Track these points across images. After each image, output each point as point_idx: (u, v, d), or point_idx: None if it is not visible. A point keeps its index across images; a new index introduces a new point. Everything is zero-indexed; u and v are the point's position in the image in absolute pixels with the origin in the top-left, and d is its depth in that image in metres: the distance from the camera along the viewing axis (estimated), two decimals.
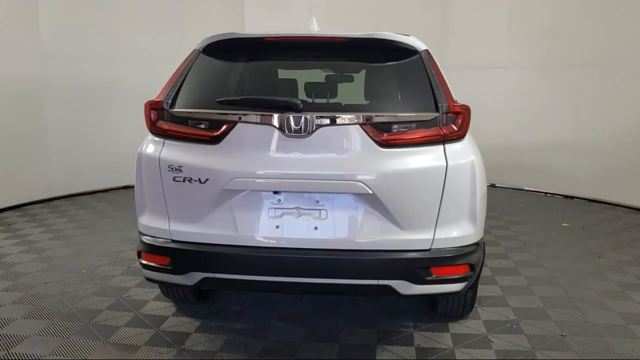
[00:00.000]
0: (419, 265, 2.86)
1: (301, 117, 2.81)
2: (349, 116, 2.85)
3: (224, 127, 2.90)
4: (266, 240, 2.91)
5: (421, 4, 8.75)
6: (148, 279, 3.21)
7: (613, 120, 7.28)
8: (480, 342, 3.38)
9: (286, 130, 2.83)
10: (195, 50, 3.24)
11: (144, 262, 3.12)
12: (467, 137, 3.00)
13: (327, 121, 2.83)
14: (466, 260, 2.93)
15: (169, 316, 3.70)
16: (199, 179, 2.92)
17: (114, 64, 7.79)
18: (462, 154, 2.92)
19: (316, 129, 2.83)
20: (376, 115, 2.86)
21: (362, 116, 2.84)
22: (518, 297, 4.07)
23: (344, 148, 2.86)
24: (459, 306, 3.56)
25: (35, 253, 5.01)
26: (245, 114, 2.89)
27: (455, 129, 2.90)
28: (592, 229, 6.09)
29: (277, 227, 2.91)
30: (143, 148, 3.09)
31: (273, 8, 8.88)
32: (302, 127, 2.81)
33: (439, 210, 2.87)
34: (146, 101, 3.11)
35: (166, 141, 3.03)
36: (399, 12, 8.75)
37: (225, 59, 3.26)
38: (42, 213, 6.57)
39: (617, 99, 7.23)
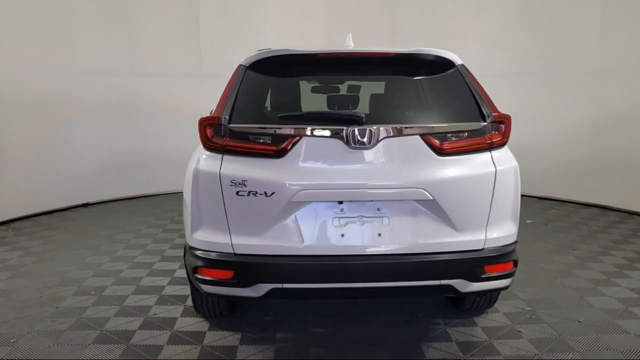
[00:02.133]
0: (475, 265, 3.08)
1: (366, 129, 2.96)
2: (410, 127, 3.03)
3: (289, 141, 2.99)
4: (333, 249, 3.02)
5: (371, 14, 9.11)
6: (208, 294, 3.20)
7: (554, 123, 7.95)
8: (511, 333, 3.66)
9: (351, 143, 2.96)
10: (241, 66, 3.29)
11: (203, 277, 3.11)
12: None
13: (390, 132, 2.99)
14: (512, 257, 3.19)
15: (206, 331, 3.69)
16: (265, 193, 2.98)
17: (71, 79, 7.50)
18: (506, 159, 3.18)
19: (380, 140, 2.98)
20: (434, 126, 3.05)
21: (422, 127, 3.03)
22: (524, 289, 4.40)
23: (405, 157, 3.03)
24: (486, 301, 3.82)
25: (26, 277, 4.77)
26: (312, 128, 2.99)
27: (500, 136, 3.15)
28: (554, 225, 6.62)
29: (343, 235, 3.03)
30: (199, 164, 3.10)
31: (228, 18, 8.89)
32: (367, 139, 2.96)
33: (489, 212, 3.11)
34: (200, 118, 3.13)
35: (225, 156, 3.06)
36: (349, 20, 9.05)
37: (275, 74, 3.33)
38: (9, 236, 6.21)
39: (556, 104, 7.91)
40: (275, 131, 3.01)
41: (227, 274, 3.06)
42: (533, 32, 8.04)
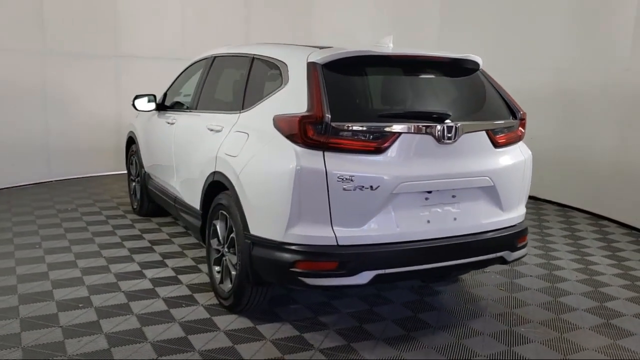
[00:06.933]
0: (515, 238, 3.75)
1: (453, 126, 3.36)
2: (480, 123, 3.53)
3: (390, 138, 3.23)
4: (422, 234, 3.38)
5: (226, 18, 9.18)
6: (309, 287, 3.26)
7: None
8: (494, 291, 4.44)
9: (441, 138, 3.34)
10: (316, 63, 3.35)
11: (304, 270, 3.18)
12: None
13: (468, 129, 3.45)
14: (527, 231, 3.92)
15: (255, 326, 3.68)
16: (371, 187, 3.19)
17: None
18: (526, 149, 3.90)
19: (461, 135, 3.40)
20: (493, 123, 3.61)
21: (486, 123, 3.56)
22: None
23: (476, 150, 3.54)
24: None
25: None
26: (411, 126, 3.28)
27: (523, 131, 3.85)
28: None
29: (428, 221, 3.41)
30: (300, 162, 3.13)
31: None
32: (453, 134, 3.36)
33: (522, 194, 3.78)
34: (299, 116, 3.16)
35: (326, 153, 3.16)
36: (205, 21, 9.00)
37: (354, 73, 3.47)
38: None
39: None
40: (378, 128, 3.22)
41: (332, 265, 3.19)
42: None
